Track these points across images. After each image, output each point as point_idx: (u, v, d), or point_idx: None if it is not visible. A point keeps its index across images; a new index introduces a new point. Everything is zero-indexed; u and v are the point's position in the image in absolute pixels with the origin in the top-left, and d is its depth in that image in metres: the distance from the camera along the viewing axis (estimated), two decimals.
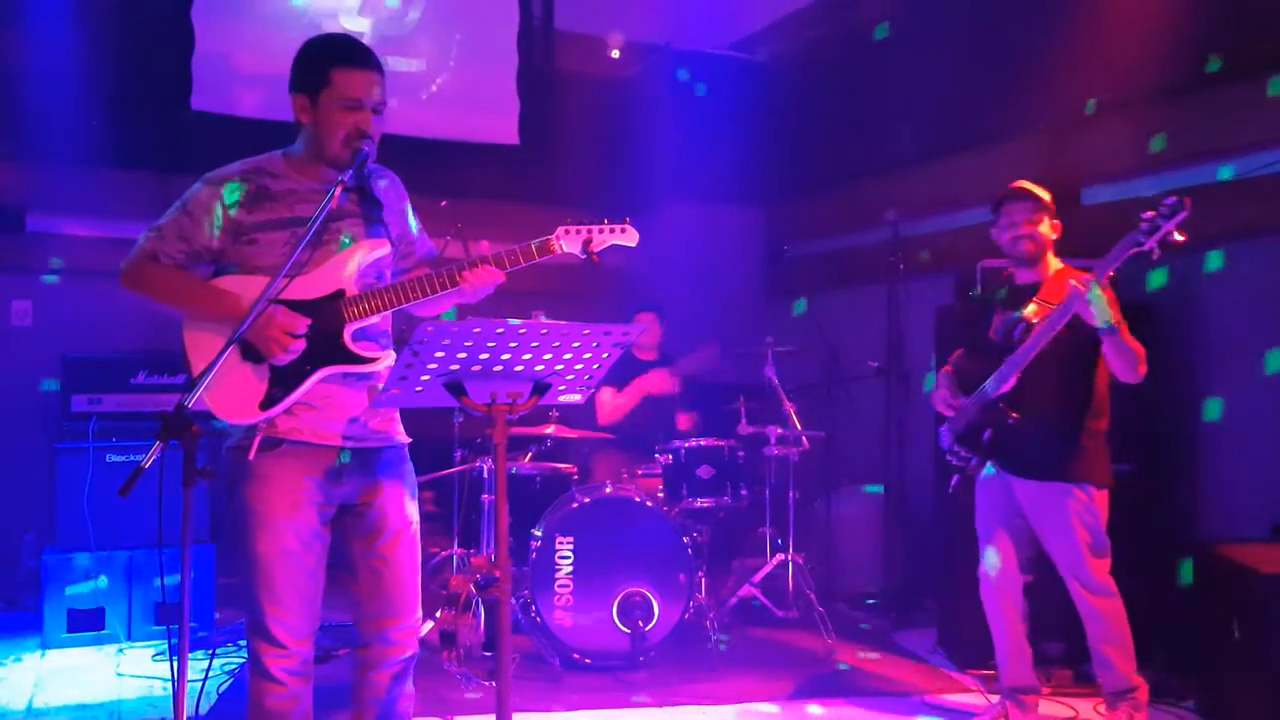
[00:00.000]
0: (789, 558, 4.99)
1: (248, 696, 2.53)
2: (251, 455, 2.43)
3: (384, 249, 2.57)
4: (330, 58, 2.46)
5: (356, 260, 2.50)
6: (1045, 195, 3.54)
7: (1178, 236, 3.03)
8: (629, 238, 2.60)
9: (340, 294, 2.47)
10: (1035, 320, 3.38)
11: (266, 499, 2.45)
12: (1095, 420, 3.45)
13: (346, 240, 2.52)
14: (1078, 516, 3.39)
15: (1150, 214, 3.07)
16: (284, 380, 2.44)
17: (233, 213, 2.47)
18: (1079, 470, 3.41)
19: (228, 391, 2.42)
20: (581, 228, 2.56)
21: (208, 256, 2.51)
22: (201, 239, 2.48)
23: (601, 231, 2.57)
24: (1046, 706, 3.78)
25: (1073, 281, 3.23)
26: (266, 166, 2.53)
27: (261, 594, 2.45)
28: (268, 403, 2.44)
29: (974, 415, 3.54)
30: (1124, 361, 3.28)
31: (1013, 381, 3.40)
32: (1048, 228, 3.52)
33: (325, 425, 2.50)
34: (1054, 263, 3.56)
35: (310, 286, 2.45)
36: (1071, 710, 3.84)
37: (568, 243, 2.56)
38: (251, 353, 2.42)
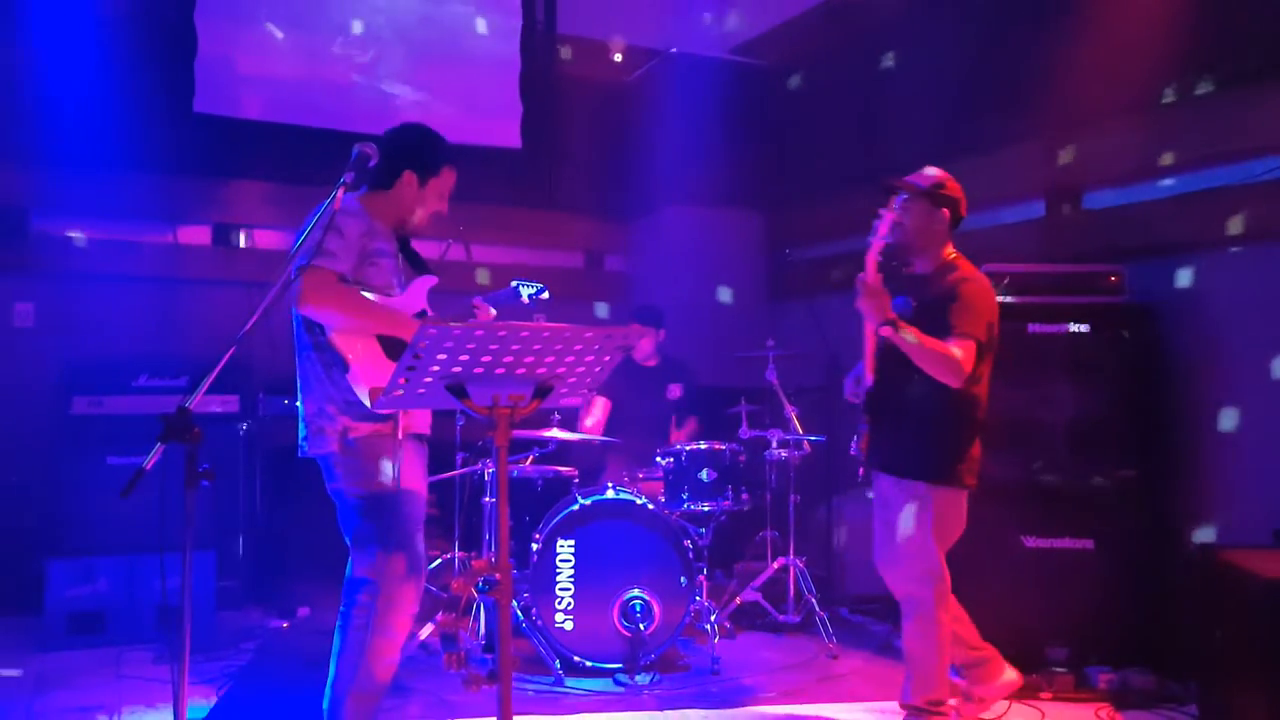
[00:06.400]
0: (790, 561, 4.99)
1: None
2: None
3: (433, 280, 3.14)
4: (447, 155, 3.10)
5: (426, 286, 3.09)
6: (924, 182, 3.35)
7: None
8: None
9: (424, 313, 3.05)
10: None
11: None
12: (945, 419, 3.30)
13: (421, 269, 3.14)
14: (909, 511, 3.31)
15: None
16: None
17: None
18: (916, 466, 3.32)
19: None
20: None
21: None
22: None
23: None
24: (1050, 711, 3.79)
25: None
26: (348, 208, 2.88)
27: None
28: None
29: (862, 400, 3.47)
30: (921, 363, 3.12)
31: (869, 378, 3.34)
32: (923, 218, 3.35)
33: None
34: (950, 254, 3.40)
35: (407, 304, 3.02)
36: (1072, 716, 3.83)
37: None
38: (394, 353, 2.80)
